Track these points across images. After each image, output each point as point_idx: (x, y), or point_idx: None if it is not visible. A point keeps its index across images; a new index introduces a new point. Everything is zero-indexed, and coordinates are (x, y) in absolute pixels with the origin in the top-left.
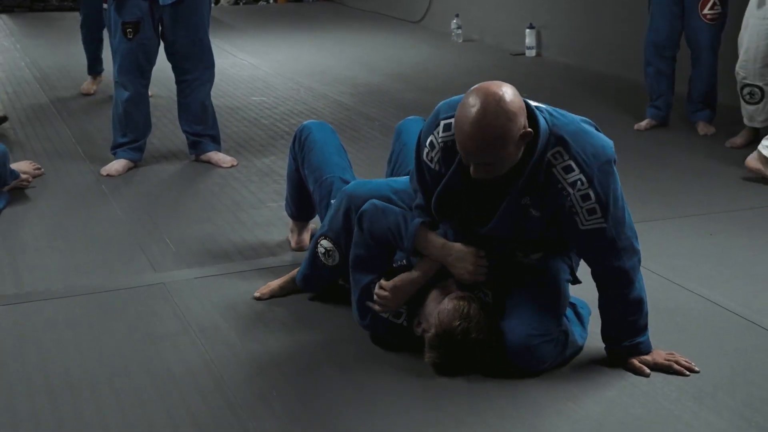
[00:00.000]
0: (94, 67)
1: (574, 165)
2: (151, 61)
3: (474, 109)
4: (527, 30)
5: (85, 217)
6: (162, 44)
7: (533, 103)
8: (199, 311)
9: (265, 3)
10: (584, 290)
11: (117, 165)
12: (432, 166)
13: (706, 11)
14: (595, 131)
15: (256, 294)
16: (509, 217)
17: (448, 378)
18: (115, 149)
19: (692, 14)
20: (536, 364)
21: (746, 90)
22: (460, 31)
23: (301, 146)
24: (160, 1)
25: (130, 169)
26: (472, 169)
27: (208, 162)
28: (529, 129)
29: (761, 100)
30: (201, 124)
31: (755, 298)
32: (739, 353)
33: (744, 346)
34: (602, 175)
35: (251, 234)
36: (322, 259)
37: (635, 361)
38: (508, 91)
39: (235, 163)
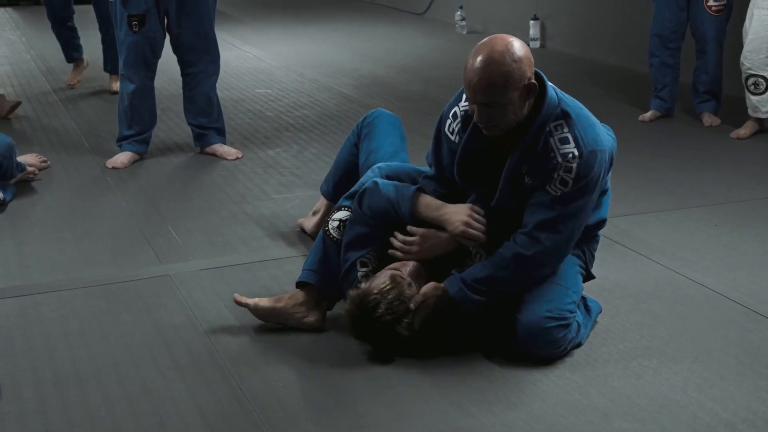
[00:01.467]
0: (70, 55)
1: (570, 138)
2: (157, 53)
3: (482, 48)
4: (531, 21)
5: (91, 209)
6: (168, 37)
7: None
8: (204, 303)
9: None
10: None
11: (123, 157)
12: (452, 138)
13: (711, 3)
14: (601, 127)
15: (237, 298)
16: (509, 185)
17: (451, 370)
18: (121, 141)
19: (697, 6)
20: (549, 347)
21: (751, 80)
22: (464, 23)
23: (369, 124)
24: None
25: (135, 161)
26: (475, 113)
27: (213, 154)
28: (534, 82)
29: (766, 90)
30: (206, 117)
31: (761, 288)
32: (745, 344)
33: (749, 337)
34: (592, 157)
35: (257, 226)
36: (333, 234)
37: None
38: (518, 42)
39: (240, 156)
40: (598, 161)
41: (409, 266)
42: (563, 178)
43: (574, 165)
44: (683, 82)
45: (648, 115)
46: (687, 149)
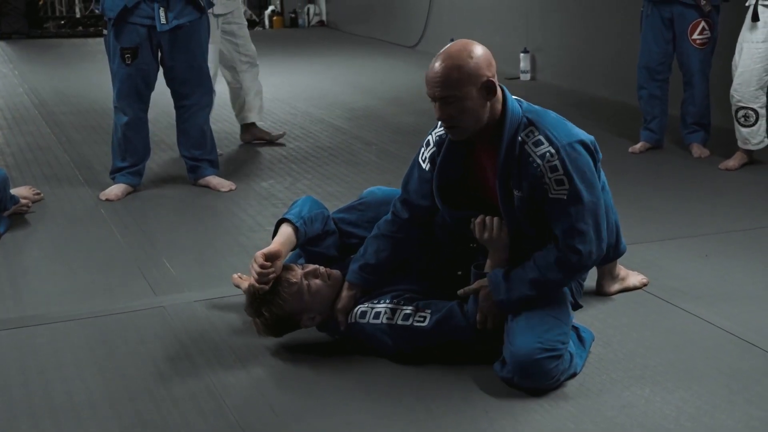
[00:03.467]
0: None
1: (543, 139)
2: (150, 86)
3: (443, 50)
4: (522, 54)
5: (84, 241)
6: (161, 69)
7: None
8: (199, 334)
9: (260, 29)
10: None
11: (116, 189)
12: (424, 166)
13: (695, 36)
14: (572, 125)
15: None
16: (506, 206)
17: (446, 400)
18: (114, 173)
19: (682, 40)
20: (541, 379)
21: (741, 113)
22: None
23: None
24: (158, 27)
25: (129, 193)
26: (436, 110)
27: (207, 186)
28: (493, 81)
29: (756, 122)
30: (200, 149)
31: (752, 318)
32: (737, 373)
33: (741, 367)
34: (570, 149)
35: (250, 257)
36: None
37: (482, 305)
38: (478, 46)
39: (233, 188)
40: (578, 150)
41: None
42: (556, 178)
43: (557, 162)
44: (672, 114)
45: (638, 146)
46: (677, 180)
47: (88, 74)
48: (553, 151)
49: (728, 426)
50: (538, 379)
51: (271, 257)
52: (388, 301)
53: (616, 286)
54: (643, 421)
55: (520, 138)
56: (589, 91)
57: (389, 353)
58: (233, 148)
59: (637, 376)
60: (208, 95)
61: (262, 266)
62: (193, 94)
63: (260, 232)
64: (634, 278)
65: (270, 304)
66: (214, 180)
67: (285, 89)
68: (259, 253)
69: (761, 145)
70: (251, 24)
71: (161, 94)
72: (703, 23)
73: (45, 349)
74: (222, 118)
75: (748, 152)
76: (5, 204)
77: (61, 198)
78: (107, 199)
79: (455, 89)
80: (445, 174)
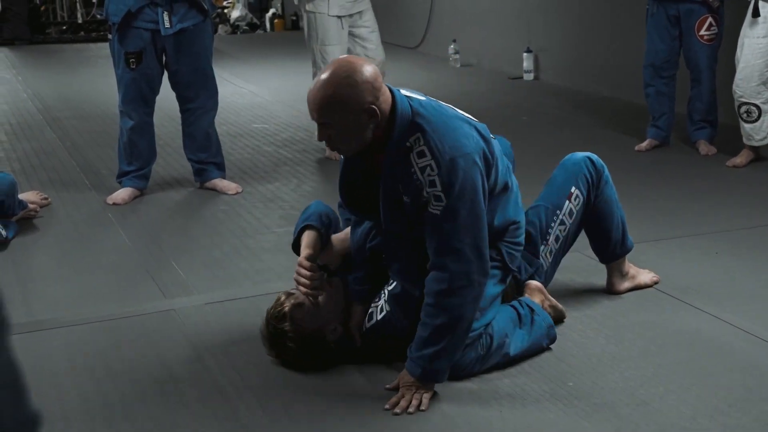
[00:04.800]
0: None
1: (426, 150)
2: (155, 90)
3: (328, 68)
4: (525, 54)
5: (93, 245)
6: (166, 73)
7: (406, 92)
8: (210, 337)
9: (262, 32)
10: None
11: (123, 193)
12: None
13: (702, 32)
14: (467, 129)
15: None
16: (388, 209)
17: (459, 400)
18: (121, 178)
19: (690, 36)
20: (455, 369)
21: (743, 108)
22: (457, 56)
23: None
24: (162, 32)
25: (135, 197)
26: (317, 131)
27: (213, 189)
28: (374, 107)
29: (759, 118)
30: (205, 152)
31: (764, 315)
32: (752, 371)
33: (756, 363)
34: (452, 165)
35: (259, 259)
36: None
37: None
38: (365, 67)
39: (240, 190)
40: (461, 167)
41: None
42: (434, 194)
43: (435, 177)
44: (677, 113)
45: (644, 144)
46: (684, 178)
47: (92, 79)
48: (434, 165)
49: (745, 424)
50: (453, 368)
51: (312, 258)
52: (384, 294)
53: (626, 284)
54: (659, 419)
55: (408, 143)
56: (592, 90)
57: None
58: (238, 151)
59: (650, 374)
60: (213, 98)
61: (310, 269)
62: (198, 98)
63: (267, 235)
64: (645, 276)
65: (289, 333)
66: (220, 183)
67: (288, 91)
68: (301, 260)
69: (765, 141)
70: (252, 27)
71: (165, 99)
72: (710, 19)
73: (57, 353)
74: (227, 121)
75: (755, 149)
76: (13, 209)
77: (69, 202)
78: (114, 203)
79: (332, 117)
80: (346, 177)
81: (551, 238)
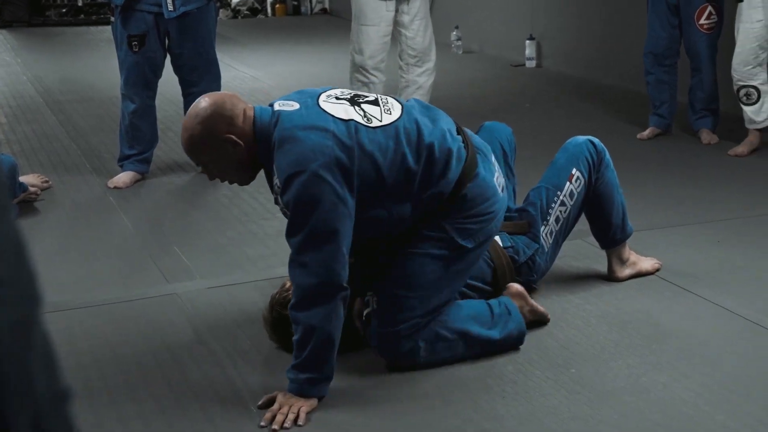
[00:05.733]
0: None
1: (275, 168)
2: (158, 73)
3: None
4: (527, 41)
5: (94, 229)
6: (168, 57)
7: (280, 103)
8: (213, 321)
9: (263, 17)
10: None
11: (124, 177)
12: None
13: (702, 21)
14: (317, 139)
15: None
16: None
17: (462, 386)
18: (122, 161)
19: (689, 25)
20: (402, 359)
21: (742, 92)
22: (459, 43)
23: None
24: (166, 15)
25: (137, 181)
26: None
27: None
28: (231, 135)
29: (758, 99)
30: None
31: (764, 303)
32: (754, 357)
33: (758, 351)
34: (289, 182)
35: (262, 244)
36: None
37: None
38: (209, 100)
39: None
40: (296, 183)
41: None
42: (283, 210)
43: (280, 195)
44: (679, 101)
45: (647, 132)
46: (686, 166)
47: (92, 62)
48: (279, 183)
49: (747, 410)
50: (400, 358)
51: None
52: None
53: (627, 271)
54: (662, 406)
55: (275, 155)
56: (595, 78)
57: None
58: None
59: (653, 361)
60: (216, 82)
61: None
62: (201, 81)
63: (271, 220)
64: (646, 263)
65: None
66: None
67: (289, 77)
68: None
69: (767, 123)
70: (253, 12)
71: (166, 82)
72: (710, 8)
73: (60, 337)
74: None
75: (758, 136)
76: (14, 191)
77: (70, 186)
78: (116, 187)
79: (201, 157)
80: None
81: (551, 219)
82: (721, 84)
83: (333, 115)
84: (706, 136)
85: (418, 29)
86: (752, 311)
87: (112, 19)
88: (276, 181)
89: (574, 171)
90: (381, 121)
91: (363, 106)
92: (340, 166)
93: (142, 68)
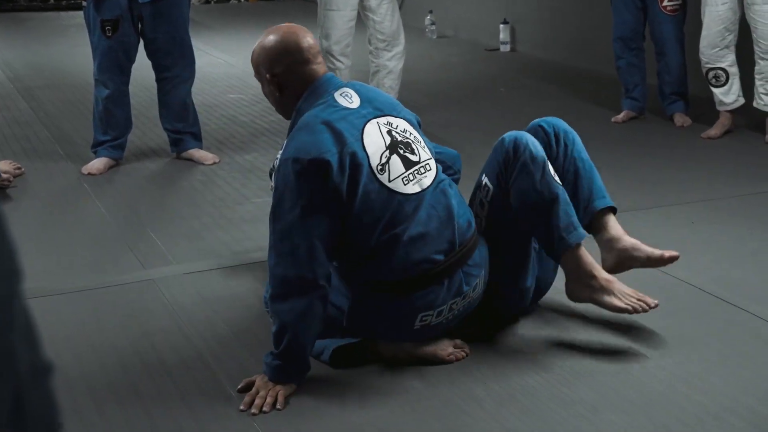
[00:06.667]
0: None
1: (285, 143)
2: (131, 58)
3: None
4: (501, 25)
5: (69, 215)
6: (142, 42)
7: (339, 94)
8: (190, 306)
9: (236, 1)
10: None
11: (98, 163)
12: None
13: (666, 3)
14: (319, 131)
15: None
16: None
17: (443, 370)
18: (96, 147)
19: (653, 8)
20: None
21: (711, 74)
22: (434, 27)
23: None
24: None
25: (111, 167)
26: None
27: (190, 159)
28: (275, 78)
29: (727, 81)
30: (182, 122)
31: (739, 283)
32: (727, 337)
33: (731, 330)
34: (280, 167)
35: (238, 229)
36: None
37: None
38: (274, 38)
39: (217, 160)
40: (284, 171)
41: None
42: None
43: (273, 173)
44: (648, 83)
45: (621, 116)
46: (661, 149)
47: (64, 48)
48: (277, 162)
49: (720, 388)
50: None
51: None
52: None
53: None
54: (638, 385)
55: None
56: (569, 62)
57: None
58: (214, 122)
59: (629, 341)
60: (190, 67)
61: None
62: (175, 66)
63: (246, 205)
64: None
65: None
66: (197, 153)
67: None
68: None
69: (736, 104)
70: None
71: (140, 68)
72: None
73: (36, 323)
74: (202, 92)
75: (730, 117)
76: None
77: (43, 173)
78: (90, 173)
79: (256, 75)
80: None
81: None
82: (691, 67)
83: (366, 150)
84: (680, 119)
85: (385, 13)
86: (726, 291)
87: (84, 3)
88: (278, 154)
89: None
90: (391, 182)
91: (398, 153)
92: (341, 164)
93: (115, 53)
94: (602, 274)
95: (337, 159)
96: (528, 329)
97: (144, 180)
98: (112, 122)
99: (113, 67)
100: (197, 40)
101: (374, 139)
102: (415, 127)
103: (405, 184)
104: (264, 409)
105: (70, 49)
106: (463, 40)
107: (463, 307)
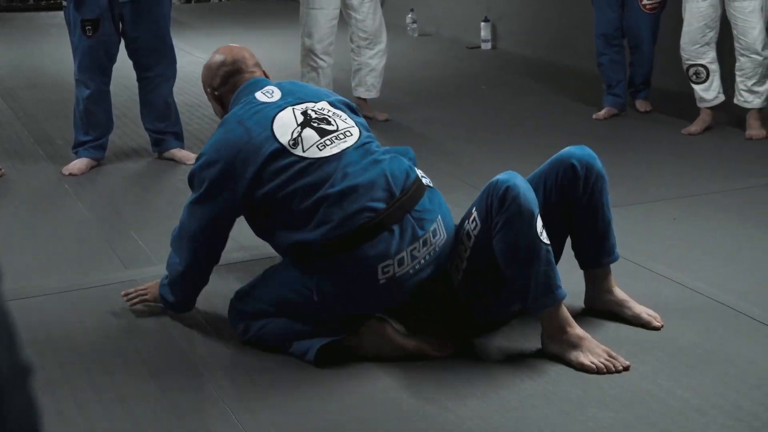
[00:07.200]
0: None
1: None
2: (112, 58)
3: None
4: (482, 23)
5: (50, 216)
6: (123, 42)
7: (261, 93)
8: None
9: (217, 1)
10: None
11: (79, 164)
12: None
13: (645, 1)
14: (231, 129)
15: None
16: None
17: (428, 366)
18: (77, 148)
19: (632, 5)
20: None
21: (692, 70)
22: (415, 25)
23: None
24: None
25: (92, 167)
26: None
27: (172, 159)
28: (215, 93)
29: (707, 78)
30: (164, 121)
31: (723, 280)
32: (711, 333)
33: (714, 326)
34: (197, 159)
35: None
36: None
37: None
38: (217, 56)
39: None
40: (198, 164)
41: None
42: None
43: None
44: None
45: (602, 113)
46: (642, 145)
47: (44, 48)
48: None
49: (705, 384)
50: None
51: None
52: None
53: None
54: (622, 382)
55: None
56: (550, 59)
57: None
58: (196, 121)
59: (612, 337)
60: (172, 67)
61: None
62: (157, 65)
63: None
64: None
65: None
66: (179, 153)
67: None
68: None
69: (717, 101)
70: None
71: (120, 68)
72: None
73: (16, 324)
74: (183, 91)
75: (710, 114)
76: None
77: (24, 173)
78: (71, 174)
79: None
80: None
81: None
82: (673, 62)
83: (274, 133)
84: (643, 105)
85: (368, 11)
86: (709, 287)
87: (65, 3)
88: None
89: (473, 210)
90: (305, 152)
91: (311, 126)
92: (245, 159)
93: (96, 53)
94: (575, 330)
95: (242, 153)
96: (513, 327)
97: (125, 180)
98: (93, 122)
99: (94, 67)
100: (178, 40)
101: (285, 122)
102: (338, 107)
103: (321, 149)
104: (131, 294)
105: (51, 48)
106: (445, 37)
107: (429, 254)
